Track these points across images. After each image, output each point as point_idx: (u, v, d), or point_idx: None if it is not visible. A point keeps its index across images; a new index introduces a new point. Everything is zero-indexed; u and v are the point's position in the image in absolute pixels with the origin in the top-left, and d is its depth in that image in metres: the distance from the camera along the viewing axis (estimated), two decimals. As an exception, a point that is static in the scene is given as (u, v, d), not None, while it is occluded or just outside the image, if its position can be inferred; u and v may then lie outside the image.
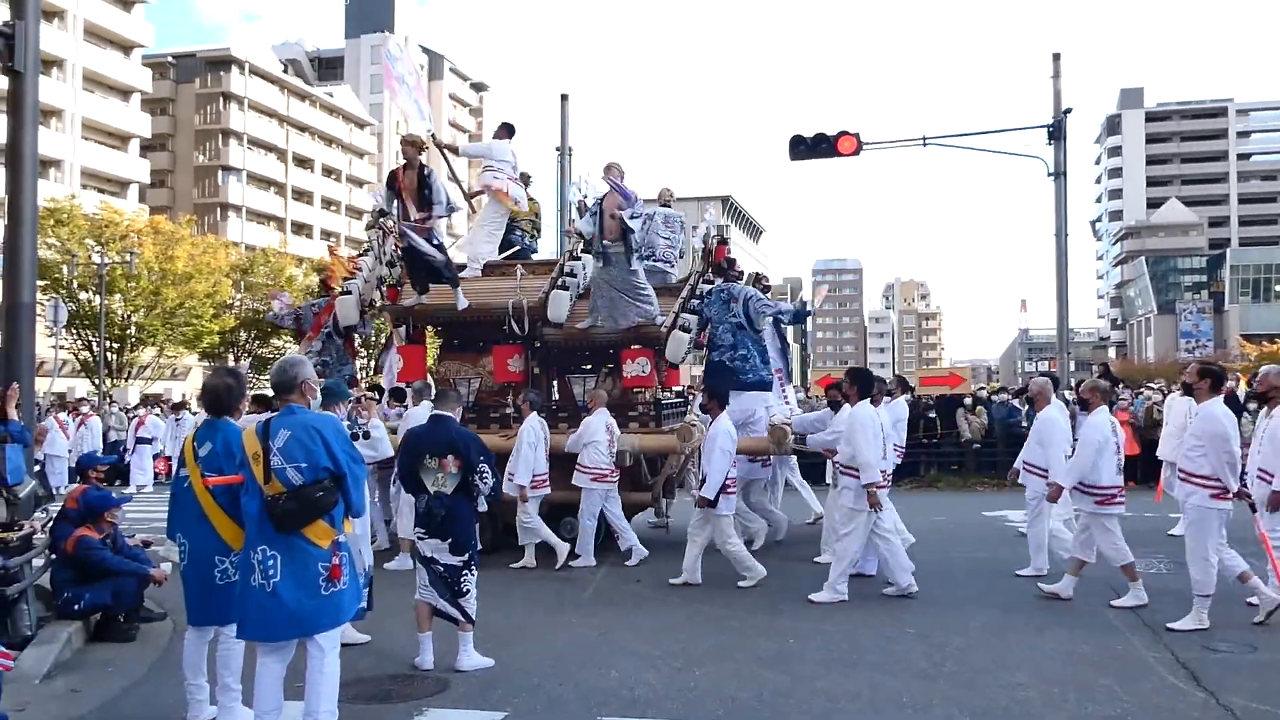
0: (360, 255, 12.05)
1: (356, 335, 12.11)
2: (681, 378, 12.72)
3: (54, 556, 7.18)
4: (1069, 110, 17.82)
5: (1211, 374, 7.35)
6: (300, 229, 69.39)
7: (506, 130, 12.30)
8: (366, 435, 6.55)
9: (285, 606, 4.44)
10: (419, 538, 6.26)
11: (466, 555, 6.22)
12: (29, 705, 5.56)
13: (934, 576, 9.07)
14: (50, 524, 7.45)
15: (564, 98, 20.73)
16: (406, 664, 6.27)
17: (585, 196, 10.43)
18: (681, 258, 11.79)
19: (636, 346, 10.40)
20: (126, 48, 56.24)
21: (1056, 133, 17.70)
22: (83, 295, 36.58)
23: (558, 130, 20.90)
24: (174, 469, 11.03)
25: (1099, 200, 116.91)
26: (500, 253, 12.07)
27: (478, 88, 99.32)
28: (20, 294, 7.66)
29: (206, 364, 43.77)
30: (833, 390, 10.38)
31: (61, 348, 33.31)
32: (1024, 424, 18.19)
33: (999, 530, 12.23)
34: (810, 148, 18.06)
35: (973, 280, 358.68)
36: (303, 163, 71.26)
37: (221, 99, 65.32)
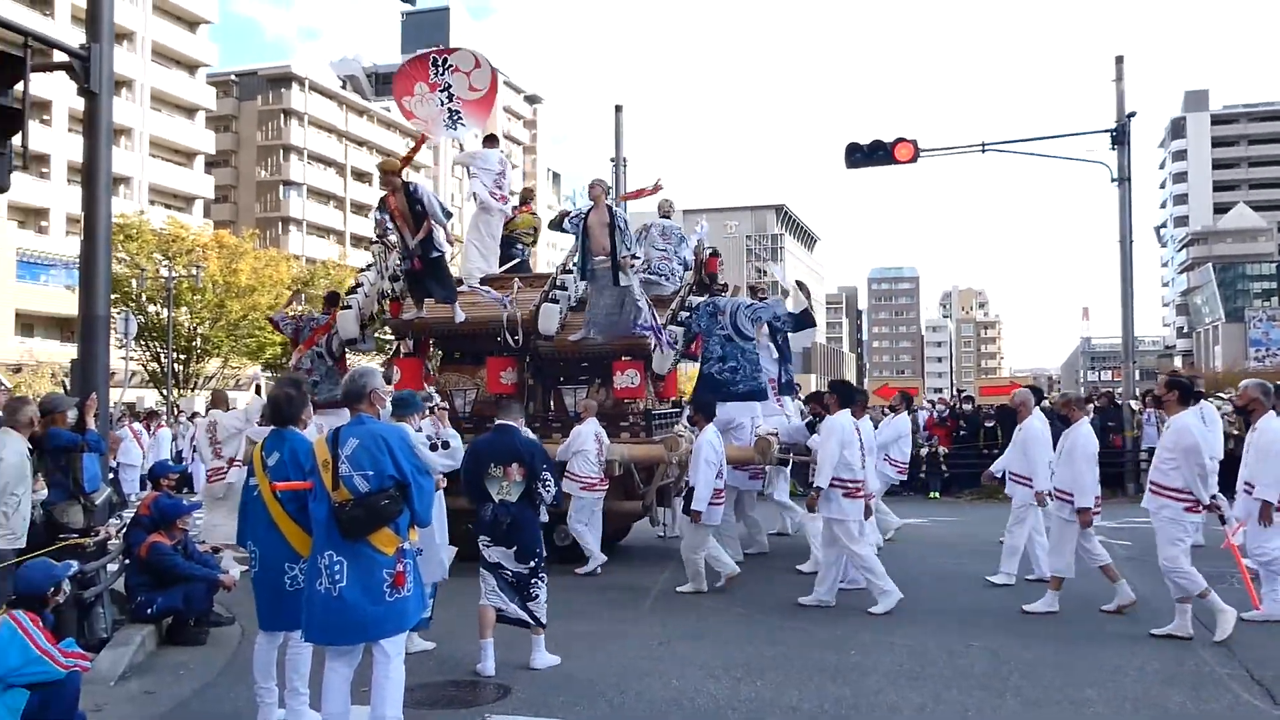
0: (363, 270, 12.14)
1: (349, 352, 12.00)
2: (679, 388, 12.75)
3: (128, 562, 7.38)
4: (1133, 114, 17.53)
5: (1180, 386, 7.34)
6: (359, 241, 70.41)
7: (492, 141, 12.56)
8: (446, 445, 6.65)
9: (351, 611, 4.51)
10: (484, 545, 6.33)
11: (533, 562, 6.31)
12: (106, 706, 5.70)
13: (1000, 589, 8.95)
14: (124, 530, 7.66)
15: (618, 109, 20.89)
16: (469, 671, 6.32)
17: (578, 212, 10.55)
18: (687, 270, 11.77)
19: (627, 358, 10.49)
20: (192, 67, 57.77)
21: (1120, 137, 17.40)
22: (151, 308, 37.53)
23: (612, 141, 21.08)
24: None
25: (1164, 206, 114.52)
26: (501, 266, 12.22)
27: (531, 100, 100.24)
28: (95, 307, 7.86)
29: (269, 374, 44.61)
30: (813, 402, 10.31)
31: (131, 359, 34.20)
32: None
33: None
34: (866, 155, 17.97)
35: (1033, 288, 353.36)
36: (361, 176, 72.42)
37: (282, 115, 66.71)
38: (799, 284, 13.91)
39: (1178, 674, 6.18)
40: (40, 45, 7.35)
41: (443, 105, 12.02)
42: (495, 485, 6.26)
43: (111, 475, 8.41)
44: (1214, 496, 7.14)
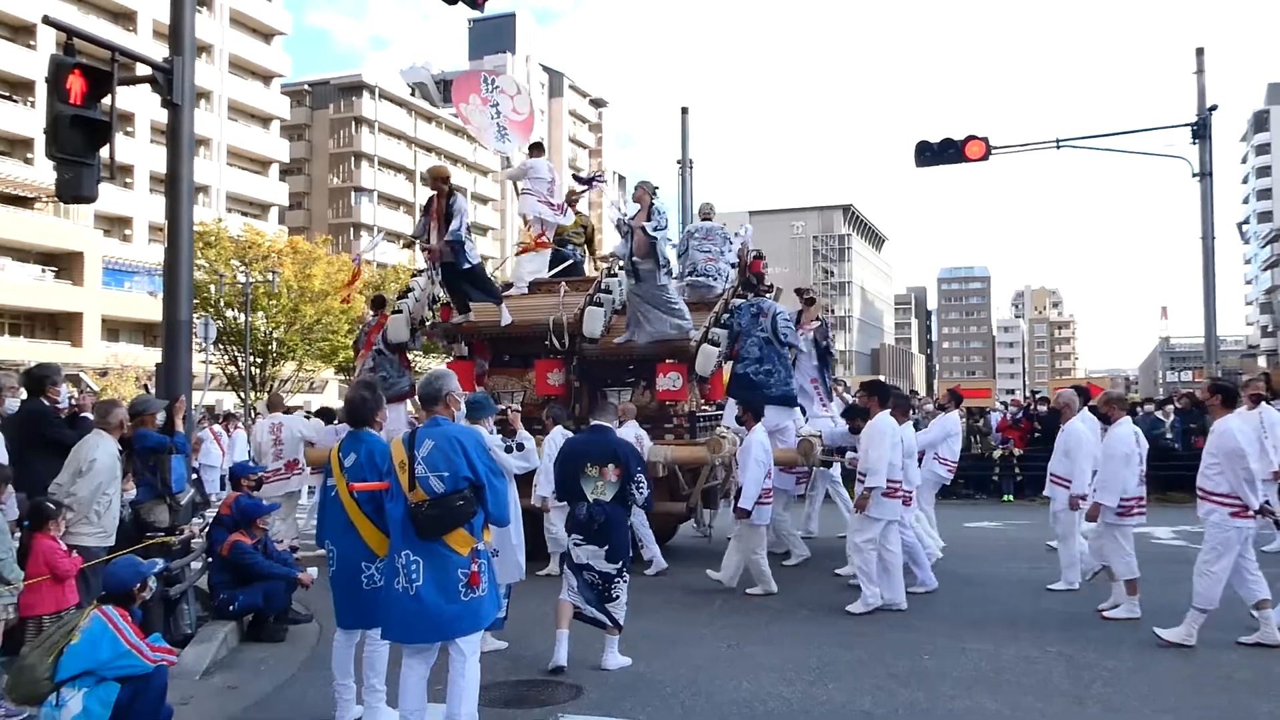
0: (414, 276, 12.40)
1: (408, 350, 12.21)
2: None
3: (210, 560, 7.59)
4: (1214, 107, 17.04)
5: (1223, 390, 7.27)
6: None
7: (539, 149, 12.91)
8: (521, 447, 6.81)
9: (427, 610, 4.58)
10: (575, 544, 6.46)
11: (620, 563, 6.43)
12: (192, 700, 5.87)
13: (1079, 595, 8.76)
14: (206, 529, 7.88)
15: (684, 110, 20.91)
16: (541, 670, 6.38)
17: (623, 215, 10.64)
18: (735, 269, 11.81)
19: (670, 360, 10.58)
20: (267, 78, 59.17)
21: (1201, 131, 16.94)
22: (229, 313, 38.54)
23: (678, 143, 21.11)
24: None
25: (1246, 201, 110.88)
26: (552, 267, 12.48)
27: (597, 104, 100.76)
28: (178, 312, 8.07)
29: (343, 377, 45.47)
30: (853, 418, 10.12)
31: (210, 363, 35.13)
32: (1168, 435, 17.40)
33: (1143, 548, 11.67)
34: (937, 153, 17.75)
35: (1109, 287, 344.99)
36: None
37: (353, 123, 67.99)
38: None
39: (1267, 684, 5.99)
40: (126, 60, 7.59)
41: (493, 120, 12.42)
42: (590, 485, 6.39)
43: (194, 476, 8.64)
44: (1266, 501, 6.99)
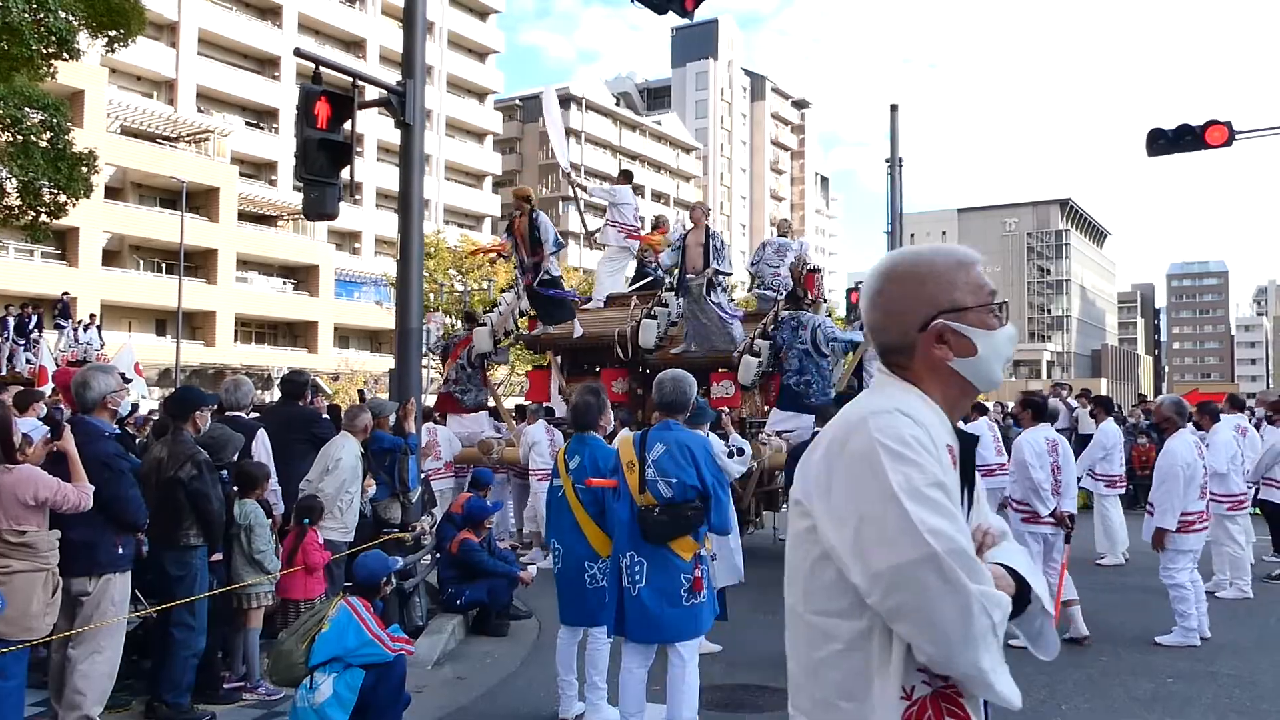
0: (503, 291, 12.96)
1: (489, 365, 12.76)
2: None
3: (439, 556, 8.00)
4: None
5: (1033, 405, 7.64)
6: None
7: (625, 177, 13.74)
8: (741, 452, 6.93)
9: (648, 612, 4.67)
10: None
11: None
12: (425, 689, 6.19)
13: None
14: (435, 526, 8.31)
15: (893, 108, 20.37)
16: (757, 674, 6.36)
17: (683, 230, 11.26)
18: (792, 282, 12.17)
19: (722, 370, 10.96)
20: (481, 95, 62.10)
21: None
22: (446, 320, 40.54)
23: (887, 141, 20.63)
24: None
25: None
26: (636, 282, 13.17)
27: (799, 105, 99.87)
28: (409, 320, 8.54)
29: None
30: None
31: (430, 367, 37.09)
32: None
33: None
34: (1172, 141, 16.46)
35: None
36: (634, 190, 74.86)
37: (561, 134, 70.17)
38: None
39: None
40: (364, 85, 8.12)
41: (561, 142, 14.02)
42: None
43: (423, 476, 9.15)
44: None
